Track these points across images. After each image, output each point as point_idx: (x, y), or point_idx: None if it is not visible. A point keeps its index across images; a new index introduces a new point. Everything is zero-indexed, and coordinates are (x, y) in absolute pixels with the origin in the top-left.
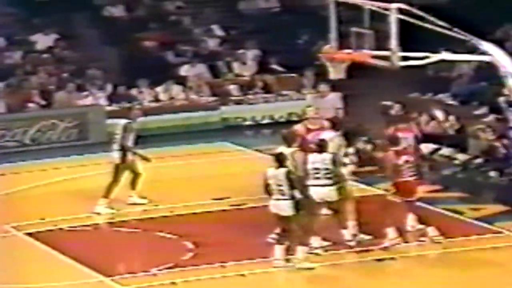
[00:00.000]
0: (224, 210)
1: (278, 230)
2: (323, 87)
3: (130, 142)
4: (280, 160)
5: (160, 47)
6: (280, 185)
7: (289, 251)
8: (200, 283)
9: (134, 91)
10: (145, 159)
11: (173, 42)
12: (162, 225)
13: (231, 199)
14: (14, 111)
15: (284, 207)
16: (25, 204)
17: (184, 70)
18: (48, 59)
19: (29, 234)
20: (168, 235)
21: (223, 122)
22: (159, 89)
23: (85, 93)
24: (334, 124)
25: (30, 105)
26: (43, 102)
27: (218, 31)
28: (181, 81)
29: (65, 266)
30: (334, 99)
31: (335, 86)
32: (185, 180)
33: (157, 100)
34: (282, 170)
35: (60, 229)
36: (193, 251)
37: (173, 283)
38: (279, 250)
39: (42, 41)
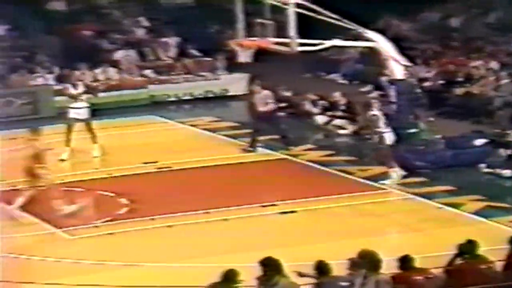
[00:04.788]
0: (154, 172)
1: None
2: (256, 87)
3: None
4: None
5: (96, 35)
6: None
7: None
8: (133, 234)
9: (77, 73)
10: None
11: (107, 31)
12: (101, 185)
13: (159, 163)
14: None
15: None
16: None
17: (117, 55)
18: (1, 47)
19: None
20: (107, 193)
21: (150, 98)
22: (97, 71)
23: (36, 74)
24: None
25: None
26: None
27: (144, 22)
28: (115, 64)
29: (22, 220)
30: (266, 95)
31: (244, 67)
32: (120, 148)
33: (96, 80)
34: None
35: (18, 189)
36: (128, 206)
37: (111, 233)
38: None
39: None
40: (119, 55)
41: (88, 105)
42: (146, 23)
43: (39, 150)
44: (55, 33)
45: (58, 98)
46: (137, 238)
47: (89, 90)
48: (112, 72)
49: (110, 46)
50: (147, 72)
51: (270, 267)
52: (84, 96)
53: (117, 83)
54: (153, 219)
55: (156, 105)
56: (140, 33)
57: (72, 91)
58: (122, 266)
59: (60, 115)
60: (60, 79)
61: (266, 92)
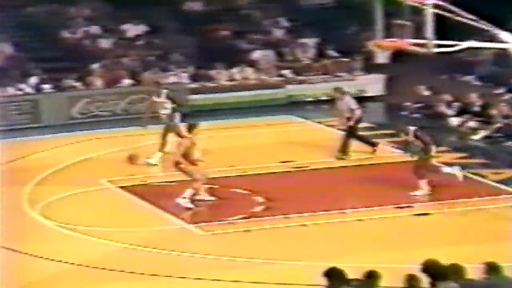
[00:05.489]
0: (289, 171)
1: None
2: (338, 94)
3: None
4: None
5: (233, 36)
6: None
7: None
8: (269, 232)
9: (213, 72)
10: None
11: (245, 32)
12: (236, 182)
13: (296, 162)
14: (109, 86)
15: None
16: (117, 163)
17: (255, 55)
18: (137, 45)
19: (122, 188)
20: (242, 191)
21: (288, 98)
22: (234, 70)
23: (170, 73)
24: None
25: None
26: (131, 80)
27: (283, 22)
28: (252, 64)
29: (153, 214)
30: (349, 101)
31: (381, 68)
32: (256, 146)
33: (232, 79)
34: None
35: (148, 183)
36: (263, 204)
37: (247, 230)
38: None
39: (132, 30)
40: (257, 55)
41: (170, 111)
42: (285, 23)
43: (193, 144)
44: (191, 33)
45: (193, 96)
46: (272, 236)
47: (174, 99)
48: (249, 72)
49: (248, 46)
50: (285, 72)
51: (335, 277)
52: (168, 104)
53: (255, 83)
54: (288, 217)
55: (293, 105)
56: (279, 33)
57: (155, 99)
58: (257, 263)
59: (195, 113)
60: (194, 78)
61: (347, 98)
